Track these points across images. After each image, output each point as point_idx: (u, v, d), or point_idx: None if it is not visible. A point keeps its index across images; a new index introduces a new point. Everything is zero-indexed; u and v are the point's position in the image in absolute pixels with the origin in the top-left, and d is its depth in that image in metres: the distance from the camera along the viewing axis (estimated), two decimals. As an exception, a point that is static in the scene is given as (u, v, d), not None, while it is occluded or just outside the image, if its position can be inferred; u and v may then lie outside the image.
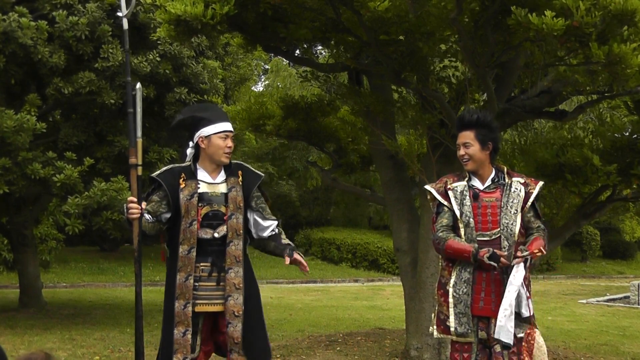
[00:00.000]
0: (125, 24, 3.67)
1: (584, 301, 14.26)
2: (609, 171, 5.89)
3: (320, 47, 10.06)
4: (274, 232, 3.76)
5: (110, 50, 7.99)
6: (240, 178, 3.65)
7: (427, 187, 3.85)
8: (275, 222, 3.77)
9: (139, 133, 3.51)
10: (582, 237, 23.29)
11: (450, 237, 3.65)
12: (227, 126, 3.66)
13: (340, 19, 5.21)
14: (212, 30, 4.97)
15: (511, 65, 6.13)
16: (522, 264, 3.48)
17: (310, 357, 6.58)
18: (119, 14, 3.80)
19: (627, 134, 6.65)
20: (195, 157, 3.69)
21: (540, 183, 3.74)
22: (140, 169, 3.50)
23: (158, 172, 3.71)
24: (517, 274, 3.47)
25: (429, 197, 3.85)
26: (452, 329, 3.64)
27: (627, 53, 4.26)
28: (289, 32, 5.65)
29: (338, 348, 7.21)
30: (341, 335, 8.04)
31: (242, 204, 3.60)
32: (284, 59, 19.67)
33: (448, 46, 6.22)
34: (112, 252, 18.76)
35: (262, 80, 25.31)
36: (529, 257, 3.49)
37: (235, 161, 3.74)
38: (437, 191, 3.76)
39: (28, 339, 7.46)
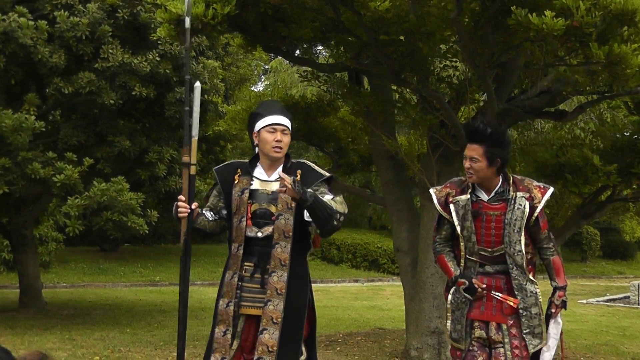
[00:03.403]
0: (187, 22, 3.55)
1: (584, 301, 14.24)
2: (609, 171, 5.89)
3: (320, 47, 10.07)
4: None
5: (110, 51, 7.98)
6: (298, 177, 3.35)
7: (431, 191, 3.70)
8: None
9: (195, 132, 3.38)
10: (582, 237, 23.24)
11: (444, 251, 3.65)
12: (276, 119, 3.42)
13: (341, 19, 5.21)
14: (213, 30, 4.97)
15: (511, 65, 6.13)
16: (558, 316, 3.62)
17: (310, 357, 6.57)
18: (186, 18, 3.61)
19: (628, 134, 6.66)
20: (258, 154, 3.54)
21: (549, 192, 3.49)
22: (193, 167, 3.38)
23: (218, 166, 3.61)
24: (556, 325, 3.64)
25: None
26: (448, 332, 3.67)
27: (627, 53, 4.26)
28: (289, 32, 5.65)
29: (338, 348, 7.22)
30: (341, 335, 8.05)
31: (293, 205, 3.31)
32: (285, 59, 19.67)
33: (448, 46, 6.22)
34: (112, 252, 18.74)
35: (262, 80, 25.30)
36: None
37: (299, 160, 3.53)
38: (438, 201, 3.60)
39: (28, 339, 7.45)
